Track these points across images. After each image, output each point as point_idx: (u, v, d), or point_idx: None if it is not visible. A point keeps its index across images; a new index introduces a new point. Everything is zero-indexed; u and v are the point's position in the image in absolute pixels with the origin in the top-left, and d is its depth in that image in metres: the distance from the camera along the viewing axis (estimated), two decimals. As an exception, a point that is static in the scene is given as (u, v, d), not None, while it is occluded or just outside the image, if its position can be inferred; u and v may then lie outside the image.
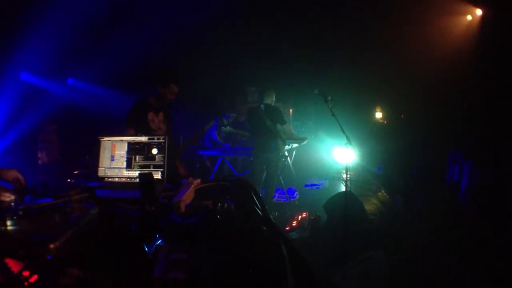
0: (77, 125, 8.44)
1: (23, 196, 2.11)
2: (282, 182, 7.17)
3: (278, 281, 1.53)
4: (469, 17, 9.10)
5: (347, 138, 4.71)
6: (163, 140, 2.53)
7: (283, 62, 9.99)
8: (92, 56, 8.39)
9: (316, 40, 9.38)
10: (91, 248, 1.52)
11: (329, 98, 4.92)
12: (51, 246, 1.43)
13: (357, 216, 5.18)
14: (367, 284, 3.61)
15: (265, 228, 1.80)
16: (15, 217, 1.72)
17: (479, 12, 8.91)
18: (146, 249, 1.52)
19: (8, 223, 1.66)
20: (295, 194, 7.74)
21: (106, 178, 2.55)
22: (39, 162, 7.82)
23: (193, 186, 2.20)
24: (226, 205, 1.78)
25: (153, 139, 2.53)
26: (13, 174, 2.28)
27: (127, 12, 7.58)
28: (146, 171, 2.29)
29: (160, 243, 1.59)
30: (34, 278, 1.28)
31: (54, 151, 7.92)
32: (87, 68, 8.65)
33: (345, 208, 4.62)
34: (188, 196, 2.06)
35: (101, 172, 2.57)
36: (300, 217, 5.90)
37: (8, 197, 1.93)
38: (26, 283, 1.25)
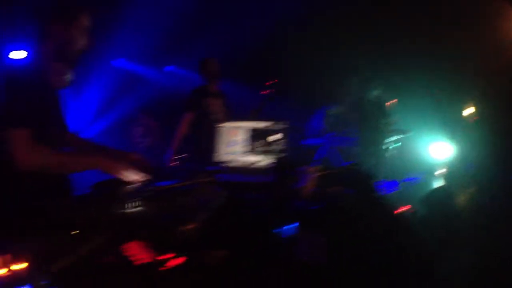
0: (175, 111, 8.66)
1: (150, 178, 2.10)
2: (385, 174, 7.04)
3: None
4: None
5: (449, 133, 4.56)
6: (284, 127, 2.44)
7: (388, 53, 9.62)
8: (190, 45, 8.50)
9: (418, 32, 8.92)
10: (226, 230, 1.49)
11: (436, 91, 4.82)
12: (188, 227, 1.37)
13: (450, 212, 5.12)
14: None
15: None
16: (144, 199, 1.69)
17: None
18: (277, 232, 1.51)
19: (138, 204, 1.63)
20: (396, 187, 7.58)
21: (223, 163, 2.51)
22: (138, 145, 8.11)
23: (314, 173, 2.14)
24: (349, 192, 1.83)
25: (274, 125, 2.45)
26: (137, 157, 2.30)
27: (227, 3, 7.62)
28: (281, 157, 2.22)
29: (292, 227, 1.56)
30: (180, 259, 1.22)
31: (153, 136, 8.19)
32: (185, 56, 8.79)
33: (439, 203, 4.53)
34: (311, 183, 2.00)
35: (218, 157, 2.53)
36: (403, 209, 5.80)
37: (137, 179, 1.91)
38: (170, 265, 1.19)
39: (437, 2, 8.48)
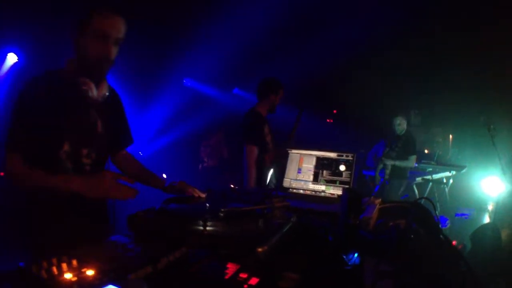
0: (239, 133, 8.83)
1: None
2: (437, 209, 6.91)
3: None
4: None
5: (502, 168, 4.51)
6: (351, 158, 2.51)
7: (444, 85, 9.44)
8: (258, 69, 8.67)
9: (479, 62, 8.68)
10: (295, 253, 1.57)
11: (492, 127, 4.77)
12: (260, 249, 1.46)
13: (494, 249, 4.96)
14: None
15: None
16: (215, 220, 1.79)
17: None
18: (345, 259, 1.57)
19: (210, 224, 1.74)
20: (446, 223, 7.38)
21: (290, 189, 2.61)
22: (203, 164, 8.36)
23: (377, 205, 2.20)
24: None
25: (342, 155, 2.53)
26: (187, 187, 2.43)
27: (293, 28, 7.76)
28: (348, 187, 2.29)
29: (357, 256, 1.63)
30: (254, 280, 1.31)
31: (218, 156, 8.42)
32: (252, 80, 8.96)
33: (485, 239, 4.42)
34: (375, 214, 2.06)
35: (286, 183, 2.63)
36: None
37: (127, 196, 1.91)
38: (245, 286, 1.28)
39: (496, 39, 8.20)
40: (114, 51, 2.14)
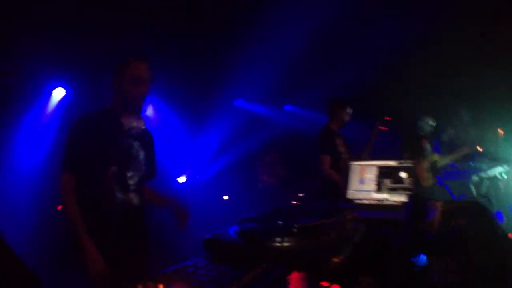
0: (296, 151, 8.93)
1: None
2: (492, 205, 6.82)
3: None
4: None
5: None
6: (412, 165, 2.59)
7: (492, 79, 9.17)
8: (308, 83, 8.74)
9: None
10: (369, 262, 1.68)
11: None
12: (336, 259, 1.58)
13: None
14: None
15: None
16: (291, 235, 1.93)
17: None
18: (414, 261, 1.68)
19: (286, 240, 1.88)
20: (503, 218, 7.20)
21: (355, 200, 2.71)
22: (262, 184, 8.49)
23: (439, 207, 2.27)
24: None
25: (402, 163, 2.62)
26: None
27: (341, 39, 7.80)
28: (414, 194, 2.39)
29: (425, 257, 1.73)
30: (335, 287, 1.44)
31: (277, 174, 8.53)
32: (302, 95, 9.04)
33: None
34: (438, 217, 2.14)
35: (350, 195, 2.74)
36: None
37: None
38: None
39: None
40: (146, 91, 2.64)
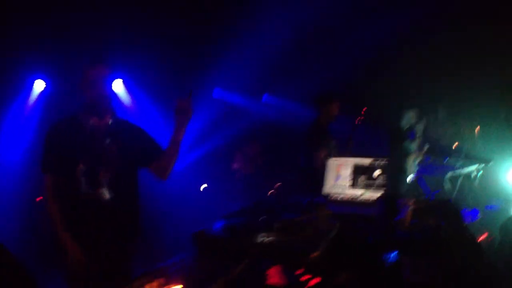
0: (274, 142, 8.97)
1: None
2: (467, 202, 7.01)
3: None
4: None
5: None
6: (386, 162, 2.74)
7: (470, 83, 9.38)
8: (289, 74, 8.72)
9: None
10: (341, 255, 1.82)
11: None
12: (314, 254, 1.72)
13: None
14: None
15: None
16: (272, 231, 2.04)
17: None
18: (385, 257, 1.81)
19: (267, 235, 2.00)
20: (477, 215, 7.41)
21: (330, 196, 2.85)
22: (239, 173, 8.55)
23: (411, 206, 2.41)
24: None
25: (377, 160, 2.76)
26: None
27: (329, 32, 7.81)
28: (387, 191, 2.53)
29: (395, 254, 1.86)
30: (315, 280, 1.58)
31: (253, 164, 8.59)
32: (284, 86, 9.02)
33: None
34: (409, 215, 2.27)
35: (326, 190, 2.88)
36: (483, 238, 5.76)
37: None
38: (311, 284, 1.55)
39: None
40: (103, 91, 2.82)
